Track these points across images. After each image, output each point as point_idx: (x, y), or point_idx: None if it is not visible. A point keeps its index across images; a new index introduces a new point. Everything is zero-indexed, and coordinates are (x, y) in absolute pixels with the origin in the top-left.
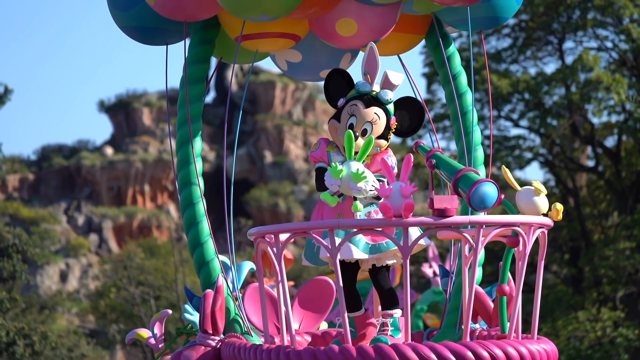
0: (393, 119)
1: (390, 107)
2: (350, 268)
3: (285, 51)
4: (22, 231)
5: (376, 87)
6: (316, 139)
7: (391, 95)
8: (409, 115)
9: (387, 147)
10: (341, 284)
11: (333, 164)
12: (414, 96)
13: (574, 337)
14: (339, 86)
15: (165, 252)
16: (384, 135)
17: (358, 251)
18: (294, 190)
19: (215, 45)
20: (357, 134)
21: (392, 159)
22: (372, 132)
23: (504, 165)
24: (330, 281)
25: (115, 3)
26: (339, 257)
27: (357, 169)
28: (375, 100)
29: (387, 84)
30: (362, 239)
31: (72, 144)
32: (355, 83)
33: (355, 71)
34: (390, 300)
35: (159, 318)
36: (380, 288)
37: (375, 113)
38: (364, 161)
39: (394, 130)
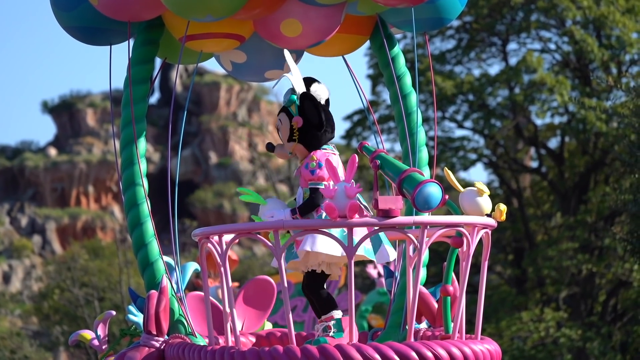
0: (295, 118)
1: (294, 107)
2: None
3: (230, 52)
4: None
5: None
6: (261, 140)
7: (288, 96)
8: (312, 107)
9: (313, 148)
10: (286, 284)
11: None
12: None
13: (517, 337)
14: None
15: (110, 253)
16: (291, 138)
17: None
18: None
19: (159, 45)
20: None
21: (314, 163)
22: (280, 138)
23: (446, 167)
24: (272, 280)
25: (58, 3)
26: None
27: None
28: (283, 108)
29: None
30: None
31: (15, 145)
32: None
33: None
34: (328, 305)
35: (103, 319)
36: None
37: (279, 119)
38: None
39: (296, 129)
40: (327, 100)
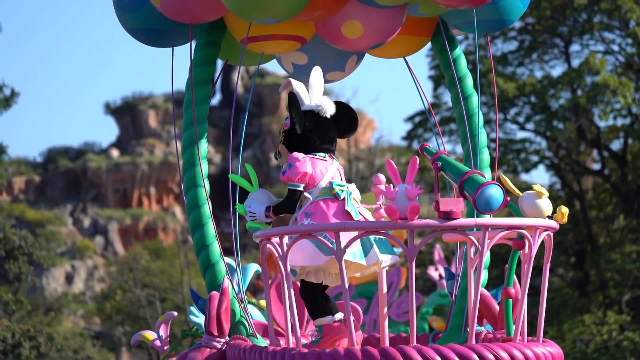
0: (286, 121)
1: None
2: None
3: (291, 53)
4: (28, 233)
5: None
6: None
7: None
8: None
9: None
10: (347, 285)
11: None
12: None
13: (580, 340)
14: None
15: (171, 254)
16: (281, 139)
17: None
18: None
19: (221, 47)
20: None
21: (286, 165)
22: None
23: (502, 174)
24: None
25: (121, 5)
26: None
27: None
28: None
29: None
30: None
31: (78, 146)
32: None
33: (360, 73)
34: (315, 312)
35: (165, 320)
36: None
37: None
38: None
39: (282, 131)
40: (339, 117)
